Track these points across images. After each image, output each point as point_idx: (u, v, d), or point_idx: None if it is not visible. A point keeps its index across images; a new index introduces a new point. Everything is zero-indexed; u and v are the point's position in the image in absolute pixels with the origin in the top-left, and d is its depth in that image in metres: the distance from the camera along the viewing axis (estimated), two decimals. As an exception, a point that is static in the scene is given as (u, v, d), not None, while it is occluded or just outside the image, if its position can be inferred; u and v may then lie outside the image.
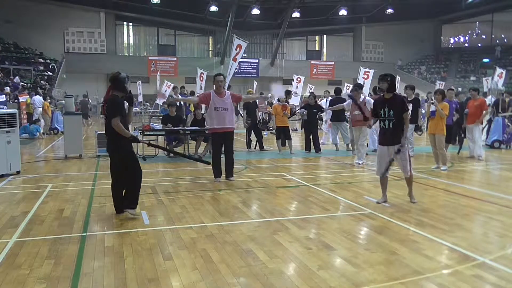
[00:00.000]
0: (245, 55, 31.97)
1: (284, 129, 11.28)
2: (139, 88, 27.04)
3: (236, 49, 14.71)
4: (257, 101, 12.54)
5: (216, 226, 4.80)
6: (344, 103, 10.38)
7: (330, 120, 12.12)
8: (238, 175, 7.80)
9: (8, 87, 21.03)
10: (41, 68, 29.58)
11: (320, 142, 11.54)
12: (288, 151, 11.13)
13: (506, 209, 5.57)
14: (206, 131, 9.91)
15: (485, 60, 35.44)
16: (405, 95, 9.77)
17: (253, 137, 12.02)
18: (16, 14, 30.43)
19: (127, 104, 5.20)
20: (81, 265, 3.69)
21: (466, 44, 40.87)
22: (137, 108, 24.02)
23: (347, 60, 39.87)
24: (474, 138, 10.15)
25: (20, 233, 4.57)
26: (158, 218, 5.15)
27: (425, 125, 13.26)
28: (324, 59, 40.76)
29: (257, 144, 11.91)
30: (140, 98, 27.16)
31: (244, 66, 35.31)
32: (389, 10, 35.07)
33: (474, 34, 40.53)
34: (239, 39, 14.90)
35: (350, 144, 11.31)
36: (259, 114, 12.66)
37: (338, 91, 11.72)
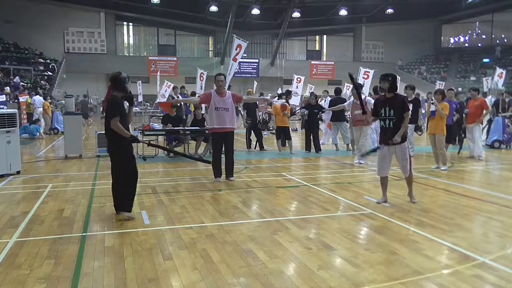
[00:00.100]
0: (245, 55, 31.98)
1: (284, 129, 11.28)
2: (139, 88, 27.04)
3: (236, 49, 14.71)
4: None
5: (216, 226, 4.80)
6: (345, 103, 10.38)
7: (330, 120, 12.12)
8: (238, 175, 7.80)
9: (8, 87, 21.04)
10: (41, 68, 29.59)
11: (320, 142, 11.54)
12: (288, 151, 11.13)
13: (506, 209, 5.57)
14: (206, 131, 9.92)
15: (485, 60, 35.46)
16: (406, 95, 9.77)
17: (253, 137, 12.02)
18: (16, 14, 30.45)
19: (127, 104, 5.20)
20: (81, 265, 3.69)
21: (466, 44, 40.89)
22: (137, 108, 24.01)
23: (347, 60, 39.88)
24: (474, 138, 10.15)
25: (20, 233, 4.57)
26: (158, 218, 5.15)
27: (425, 125, 13.26)
28: (324, 59, 40.78)
29: (257, 144, 11.91)
30: (140, 98, 27.16)
31: (244, 66, 35.32)
32: (389, 10, 35.08)
33: (474, 34, 40.55)
34: (239, 39, 14.89)
35: (350, 144, 11.31)
36: (259, 114, 12.67)
37: (338, 91, 11.71)
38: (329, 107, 11.36)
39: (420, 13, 36.60)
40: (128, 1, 33.43)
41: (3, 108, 12.82)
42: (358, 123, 9.24)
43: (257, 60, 37.32)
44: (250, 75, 35.41)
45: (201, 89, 17.88)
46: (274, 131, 12.50)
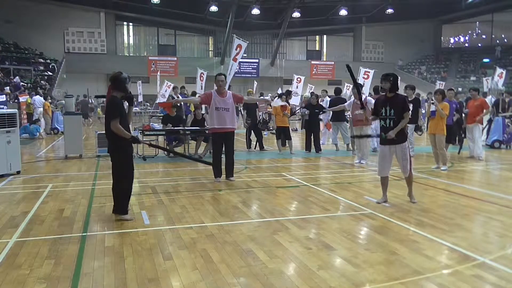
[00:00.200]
0: (245, 55, 31.98)
1: (284, 129, 11.28)
2: (139, 88, 27.03)
3: (236, 49, 14.70)
4: (257, 101, 12.53)
5: (216, 226, 4.80)
6: (345, 103, 10.38)
7: (330, 120, 12.12)
8: (238, 175, 7.80)
9: (8, 87, 21.04)
10: (41, 68, 29.59)
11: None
12: (288, 151, 11.14)
13: (506, 209, 5.57)
14: (206, 131, 9.92)
15: (485, 60, 35.45)
16: (406, 95, 9.77)
17: (253, 137, 12.02)
18: (16, 14, 30.44)
19: (127, 104, 5.20)
20: (81, 265, 3.69)
21: (466, 44, 40.88)
22: (137, 108, 24.01)
23: (347, 60, 39.77)
24: (474, 138, 10.15)
25: (20, 233, 4.57)
26: (158, 218, 5.15)
27: (425, 125, 13.26)
28: (324, 59, 40.77)
29: (257, 144, 11.91)
30: (140, 98, 27.15)
31: (244, 66, 35.31)
32: (389, 10, 35.08)
33: (474, 34, 40.54)
34: (239, 39, 14.88)
35: (350, 144, 11.31)
36: (259, 114, 12.67)
37: (338, 91, 11.71)
38: (329, 107, 11.36)
39: (420, 13, 36.60)
40: (128, 1, 33.43)
41: (3, 108, 12.82)
42: (359, 123, 9.24)
43: (257, 60, 37.31)
44: (250, 75, 35.40)
45: (201, 89, 17.88)
46: (274, 131, 12.50)
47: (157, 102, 21.61)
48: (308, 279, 3.39)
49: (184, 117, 11.76)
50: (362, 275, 3.48)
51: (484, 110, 10.26)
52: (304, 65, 37.73)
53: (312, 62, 38.54)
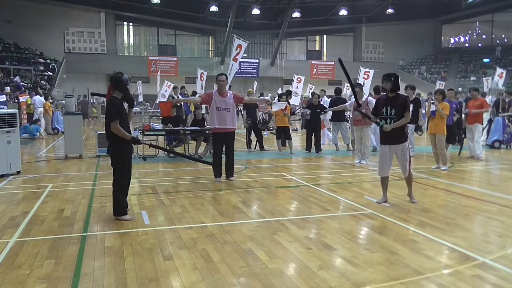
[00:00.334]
0: (245, 55, 31.98)
1: (284, 129, 11.28)
2: (139, 88, 27.01)
3: (236, 49, 14.69)
4: (257, 101, 12.52)
5: (216, 226, 4.80)
6: (346, 103, 10.38)
7: (330, 120, 12.12)
8: (238, 175, 7.80)
9: (8, 87, 21.04)
10: (41, 68, 29.58)
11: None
12: (288, 151, 11.14)
13: (506, 209, 5.57)
14: (206, 131, 9.92)
15: (485, 60, 35.45)
16: (407, 95, 9.76)
17: (253, 137, 12.02)
18: (16, 14, 30.45)
19: (127, 105, 5.19)
20: (81, 265, 3.69)
21: (466, 44, 40.87)
22: (137, 108, 23.97)
23: (347, 60, 39.78)
24: (474, 138, 10.15)
25: (20, 233, 4.57)
26: (158, 218, 5.15)
27: (426, 125, 13.26)
28: (324, 59, 40.74)
29: (257, 144, 11.91)
30: (140, 98, 27.13)
31: (244, 66, 35.30)
32: (389, 10, 35.06)
33: (474, 34, 40.53)
34: (239, 39, 14.88)
35: (350, 144, 11.31)
36: (259, 114, 12.66)
37: (338, 91, 11.71)
38: (329, 107, 11.36)
39: (420, 13, 36.58)
40: (128, 1, 33.41)
41: (3, 108, 12.83)
42: (359, 123, 9.24)
43: (257, 60, 37.30)
44: (250, 75, 35.39)
45: (202, 89, 17.87)
46: (274, 131, 12.50)
47: (157, 102, 21.61)
48: (308, 279, 3.39)
49: (184, 117, 11.75)
50: (362, 275, 3.48)
51: (484, 109, 10.27)
52: (304, 65, 37.71)
53: (312, 62, 38.52)
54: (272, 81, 35.97)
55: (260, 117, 12.33)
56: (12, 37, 29.73)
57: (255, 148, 11.86)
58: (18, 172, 8.06)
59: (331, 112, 11.59)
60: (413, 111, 9.31)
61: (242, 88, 31.96)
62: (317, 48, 41.86)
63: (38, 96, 18.00)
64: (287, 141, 11.51)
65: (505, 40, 37.84)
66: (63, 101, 14.46)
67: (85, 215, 5.26)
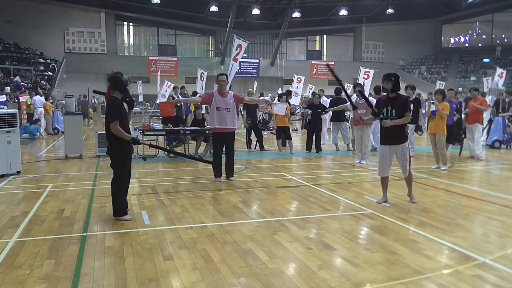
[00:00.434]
0: (245, 55, 31.98)
1: (284, 129, 11.28)
2: (139, 88, 27.03)
3: (236, 49, 14.69)
4: (257, 101, 12.52)
5: (217, 226, 4.80)
6: (347, 103, 10.37)
7: (330, 120, 12.11)
8: (238, 175, 7.80)
9: (8, 87, 21.04)
10: (42, 68, 29.59)
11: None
12: (288, 151, 11.14)
13: (506, 209, 5.57)
14: (207, 131, 9.92)
15: (486, 60, 35.45)
16: (407, 95, 9.76)
17: (253, 137, 12.02)
18: (16, 14, 30.45)
19: (127, 106, 5.19)
20: (81, 265, 3.69)
21: (467, 44, 40.86)
22: (137, 108, 23.97)
23: (347, 60, 39.87)
24: (474, 138, 10.15)
25: (21, 233, 4.57)
26: (158, 218, 5.15)
27: (426, 125, 13.26)
28: (325, 59, 40.70)
29: (257, 144, 11.91)
30: (140, 98, 27.14)
31: (244, 66, 35.30)
32: (389, 10, 35.06)
33: (474, 34, 40.52)
34: (240, 39, 14.87)
35: (350, 144, 11.31)
36: (259, 114, 12.66)
37: (338, 91, 11.70)
38: (330, 107, 11.36)
39: (420, 13, 36.59)
40: (128, 1, 33.41)
41: (3, 108, 12.83)
42: (359, 123, 9.23)
43: (257, 60, 37.30)
44: (250, 75, 35.39)
45: (202, 89, 17.88)
46: (274, 131, 12.50)
47: (157, 102, 21.61)
48: (308, 279, 3.39)
49: (184, 117, 11.75)
50: (362, 275, 3.48)
51: (484, 108, 10.27)
52: (304, 65, 37.70)
53: (312, 62, 38.51)
54: (272, 81, 35.97)
55: (260, 117, 12.33)
56: (12, 37, 29.74)
57: (255, 148, 11.86)
58: (18, 172, 8.06)
59: (331, 112, 11.59)
60: (413, 111, 9.29)
61: (242, 88, 31.96)
62: (317, 48, 41.87)
63: (38, 96, 18.00)
64: (287, 141, 11.52)
65: (505, 40, 37.84)
66: (63, 101, 14.47)
67: (85, 215, 5.26)
